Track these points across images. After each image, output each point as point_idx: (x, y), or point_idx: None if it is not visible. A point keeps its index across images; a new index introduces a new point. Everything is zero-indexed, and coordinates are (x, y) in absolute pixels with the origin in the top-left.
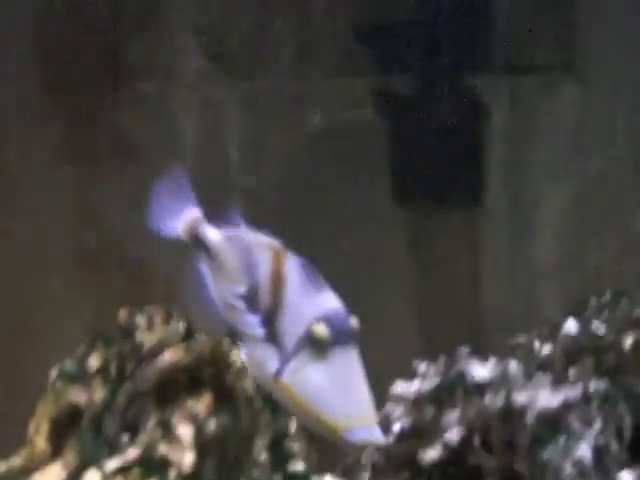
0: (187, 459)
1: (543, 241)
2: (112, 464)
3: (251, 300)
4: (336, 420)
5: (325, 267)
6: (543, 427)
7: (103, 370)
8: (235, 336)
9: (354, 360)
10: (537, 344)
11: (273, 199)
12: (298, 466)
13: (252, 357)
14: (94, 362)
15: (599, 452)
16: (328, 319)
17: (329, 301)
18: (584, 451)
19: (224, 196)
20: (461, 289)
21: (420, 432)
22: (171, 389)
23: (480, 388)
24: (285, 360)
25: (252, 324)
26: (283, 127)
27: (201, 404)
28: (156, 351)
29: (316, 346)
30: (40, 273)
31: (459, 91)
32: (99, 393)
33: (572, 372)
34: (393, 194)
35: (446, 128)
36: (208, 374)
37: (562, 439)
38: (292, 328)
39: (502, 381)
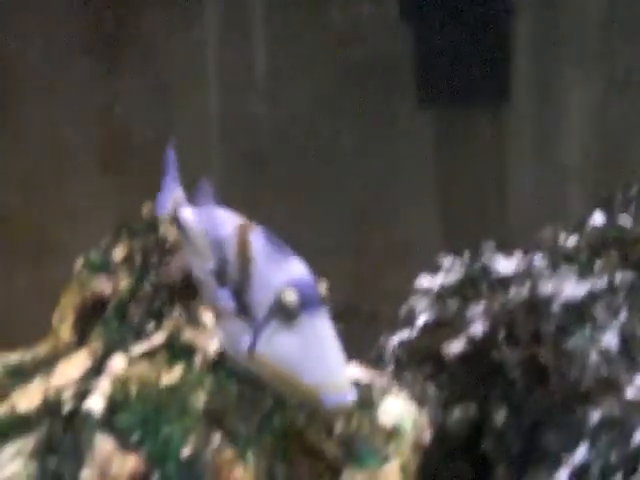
0: (212, 345)
1: (569, 139)
2: (138, 349)
3: (221, 275)
4: (310, 386)
5: (349, 165)
6: (569, 317)
7: (128, 261)
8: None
9: (325, 325)
10: (563, 237)
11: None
12: None
13: (225, 332)
14: (119, 253)
15: (625, 341)
16: (296, 285)
17: (296, 268)
18: (610, 340)
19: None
20: (488, 186)
21: (444, 325)
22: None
23: (505, 281)
24: (257, 331)
25: (223, 299)
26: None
27: None
28: (180, 244)
29: (286, 313)
30: (65, 165)
31: None
32: (124, 283)
33: (598, 264)
34: (418, 96)
35: (471, 27)
36: None
37: (588, 328)
38: (261, 298)
39: (527, 274)
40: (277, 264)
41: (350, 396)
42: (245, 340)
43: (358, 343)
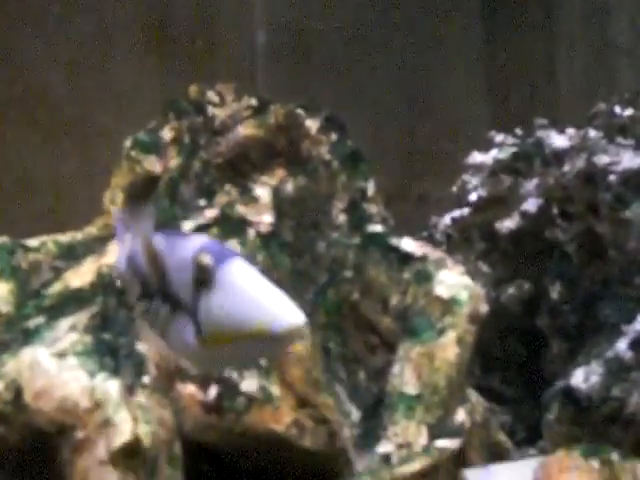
0: (266, 219)
1: (618, 17)
2: (190, 224)
3: (147, 290)
4: (260, 326)
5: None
6: (626, 187)
7: (176, 141)
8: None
9: (246, 269)
10: (618, 109)
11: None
12: (376, 227)
13: (170, 338)
14: (167, 133)
15: None
16: (204, 248)
17: (198, 239)
18: None
19: None
20: (538, 64)
21: (497, 202)
22: (245, 162)
23: (559, 155)
24: (194, 313)
25: (157, 309)
26: None
27: (274, 177)
28: (228, 125)
29: (208, 275)
30: (113, 47)
31: None
32: (173, 162)
33: None
34: None
35: None
36: (282, 144)
37: None
38: (182, 280)
39: (582, 147)
40: (181, 245)
41: (296, 317)
42: (189, 332)
43: (409, 224)
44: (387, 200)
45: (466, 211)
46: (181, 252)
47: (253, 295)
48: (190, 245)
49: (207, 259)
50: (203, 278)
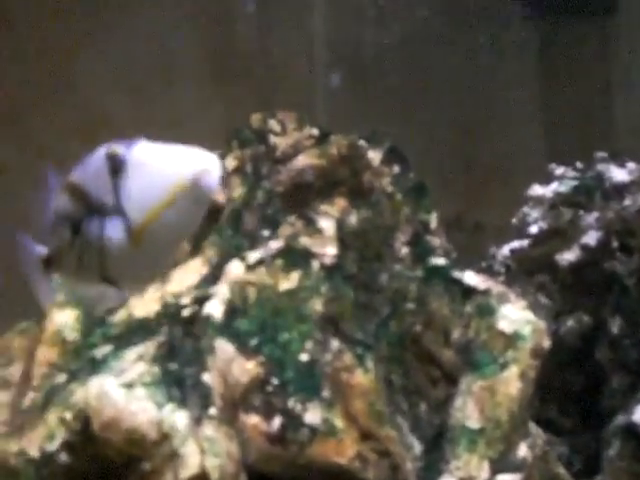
0: (330, 251)
1: None
2: (254, 256)
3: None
4: (181, 179)
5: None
6: None
7: (239, 170)
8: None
9: (153, 145)
10: None
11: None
12: (439, 260)
13: (89, 297)
14: (231, 162)
15: None
16: (111, 145)
17: (101, 149)
18: None
19: None
20: (596, 97)
21: (557, 234)
22: (306, 191)
23: (619, 190)
24: (120, 209)
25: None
26: None
27: (336, 207)
28: (290, 154)
29: (119, 162)
30: (176, 75)
31: None
32: (237, 192)
33: None
34: (525, 4)
35: None
36: (344, 174)
37: None
38: (103, 185)
39: None
40: (92, 159)
41: (207, 157)
42: (119, 233)
43: (467, 252)
44: (445, 228)
45: (526, 243)
46: (93, 163)
47: (162, 160)
48: (97, 153)
49: (116, 149)
50: (116, 166)
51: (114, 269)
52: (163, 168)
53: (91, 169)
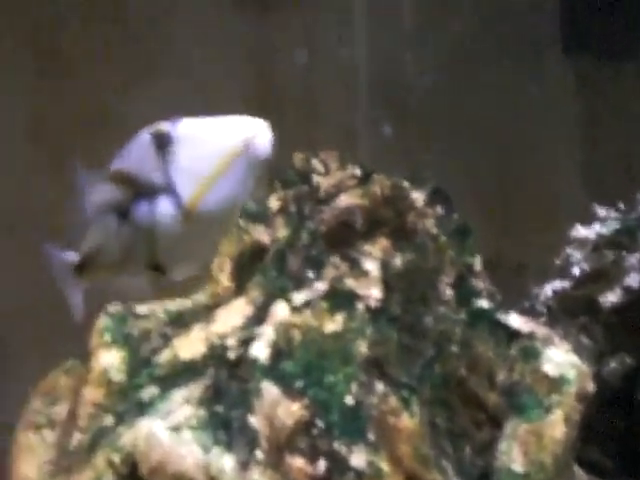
0: (375, 294)
1: None
2: (300, 297)
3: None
4: (233, 147)
5: (495, 114)
6: None
7: (283, 210)
8: None
9: (197, 119)
10: None
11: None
12: (483, 303)
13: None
14: (274, 202)
15: None
16: (153, 125)
17: (141, 135)
18: None
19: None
20: (635, 137)
21: (599, 276)
22: (349, 231)
23: None
24: (170, 188)
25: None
26: None
27: (378, 246)
28: (333, 194)
29: (166, 138)
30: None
31: None
32: (281, 232)
33: None
34: (564, 43)
35: None
36: (387, 215)
37: None
38: (149, 165)
39: None
40: (135, 144)
41: (257, 122)
42: (170, 213)
43: (507, 293)
44: (485, 267)
45: (568, 284)
46: (137, 146)
47: (210, 131)
48: (140, 136)
49: (160, 126)
50: (163, 143)
51: (165, 253)
52: (212, 138)
53: (136, 152)
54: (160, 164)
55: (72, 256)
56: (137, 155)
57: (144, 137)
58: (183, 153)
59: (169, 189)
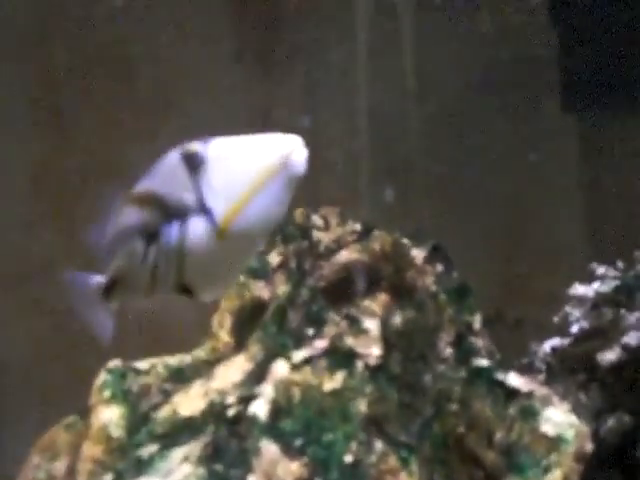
0: (374, 352)
1: None
2: (300, 355)
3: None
4: (269, 164)
5: (495, 172)
6: None
7: (283, 266)
8: None
9: (228, 139)
10: None
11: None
12: (482, 362)
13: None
14: (275, 259)
15: None
16: (183, 146)
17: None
18: None
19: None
20: (637, 192)
21: (598, 334)
22: (349, 286)
23: None
24: (202, 207)
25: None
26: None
27: (378, 302)
28: (333, 249)
29: (198, 158)
30: None
31: None
32: (281, 288)
33: None
34: (564, 98)
35: (622, 28)
36: (387, 272)
37: None
38: (179, 185)
39: None
40: (162, 166)
41: (292, 139)
42: (204, 232)
43: (506, 348)
44: (485, 322)
45: (567, 341)
46: (166, 167)
47: (244, 149)
48: (168, 157)
49: (191, 147)
50: (195, 163)
51: (194, 274)
52: (247, 156)
53: (165, 173)
54: (191, 184)
55: (99, 278)
56: (166, 176)
57: (173, 157)
58: (216, 172)
59: (202, 209)
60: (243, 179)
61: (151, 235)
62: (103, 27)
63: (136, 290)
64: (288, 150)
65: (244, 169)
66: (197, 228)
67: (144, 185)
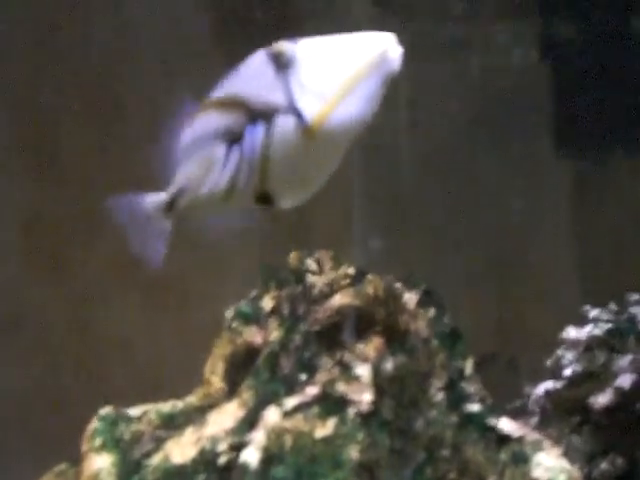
0: (366, 398)
1: None
2: (291, 402)
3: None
4: (364, 58)
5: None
6: None
7: (276, 311)
8: None
9: (315, 38)
10: None
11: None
12: (474, 407)
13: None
14: (268, 303)
15: None
16: (270, 46)
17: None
18: None
19: None
20: (631, 237)
21: (591, 377)
22: (341, 331)
23: None
24: (292, 107)
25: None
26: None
27: (371, 346)
28: (327, 293)
29: (287, 56)
30: None
31: (629, 34)
32: (274, 333)
33: None
34: (557, 141)
35: (614, 72)
36: (380, 315)
37: None
38: (266, 85)
39: None
40: (248, 68)
41: (385, 35)
42: (292, 132)
43: (499, 390)
44: (476, 364)
45: (560, 384)
46: (251, 68)
47: (335, 47)
48: (253, 57)
49: (279, 46)
50: (284, 63)
51: (277, 179)
52: (340, 54)
53: (250, 74)
54: (280, 84)
55: (157, 196)
56: (251, 76)
57: (260, 57)
58: (306, 71)
59: (291, 109)
60: (337, 77)
61: (234, 139)
62: (94, 68)
63: (210, 200)
64: (384, 47)
65: (338, 67)
66: (286, 129)
67: (226, 88)
